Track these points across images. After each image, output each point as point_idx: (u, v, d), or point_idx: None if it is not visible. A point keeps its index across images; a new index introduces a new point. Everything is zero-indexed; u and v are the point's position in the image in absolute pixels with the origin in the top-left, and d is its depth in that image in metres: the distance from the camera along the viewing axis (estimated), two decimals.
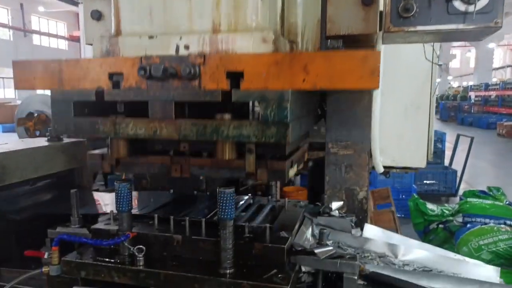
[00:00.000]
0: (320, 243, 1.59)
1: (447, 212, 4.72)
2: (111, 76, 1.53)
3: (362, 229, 2.07)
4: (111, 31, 1.64)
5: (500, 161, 13.04)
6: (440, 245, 4.09)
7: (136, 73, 1.47)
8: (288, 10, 1.79)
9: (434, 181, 8.08)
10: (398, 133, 2.83)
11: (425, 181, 8.00)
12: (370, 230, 2.03)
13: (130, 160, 1.63)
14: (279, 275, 1.47)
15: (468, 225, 4.30)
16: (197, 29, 1.54)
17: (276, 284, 1.41)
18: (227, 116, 1.44)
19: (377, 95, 2.23)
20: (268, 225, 1.63)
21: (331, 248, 1.53)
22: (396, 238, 2.01)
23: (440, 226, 4.64)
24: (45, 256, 1.66)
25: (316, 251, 1.52)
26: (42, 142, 2.43)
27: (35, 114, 9.96)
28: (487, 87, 26.63)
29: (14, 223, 2.01)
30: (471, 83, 34.26)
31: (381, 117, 2.33)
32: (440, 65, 2.86)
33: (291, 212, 2.00)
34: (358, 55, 1.35)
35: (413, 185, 6.94)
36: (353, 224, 2.04)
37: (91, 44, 2.13)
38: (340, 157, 2.25)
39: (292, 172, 1.68)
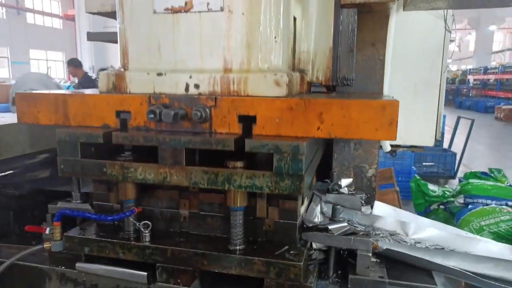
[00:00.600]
0: (333, 219, 1.53)
1: (448, 193, 4.70)
2: (118, 113, 1.48)
3: (371, 207, 2.03)
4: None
5: (498, 144, 13.07)
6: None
7: (144, 111, 1.42)
8: (300, 39, 1.73)
9: (433, 163, 8.08)
10: (406, 111, 2.76)
11: (424, 163, 7.99)
12: (380, 208, 1.99)
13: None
14: (291, 252, 1.42)
15: (470, 206, 4.28)
16: (208, 67, 1.49)
17: (289, 261, 1.36)
18: (239, 164, 1.36)
19: (386, 74, 2.16)
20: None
21: (345, 224, 1.48)
22: (406, 215, 1.97)
23: (441, 207, 4.63)
24: (47, 232, 1.60)
25: (330, 227, 1.46)
26: None
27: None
28: (486, 70, 26.50)
29: (13, 198, 1.94)
30: (470, 66, 34.08)
31: (389, 94, 2.26)
32: (452, 41, 2.77)
33: None
34: (375, 105, 1.29)
35: (413, 167, 6.91)
36: (363, 202, 1.99)
37: (92, 13, 2.03)
38: None
39: (303, 208, 1.65)
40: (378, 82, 2.15)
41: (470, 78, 29.83)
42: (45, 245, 1.57)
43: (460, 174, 7.56)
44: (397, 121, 1.27)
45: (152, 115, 1.38)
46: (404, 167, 6.82)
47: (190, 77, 1.49)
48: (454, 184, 6.71)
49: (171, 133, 1.41)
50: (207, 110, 1.38)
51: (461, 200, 4.46)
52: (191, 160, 1.40)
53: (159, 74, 1.51)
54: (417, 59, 2.71)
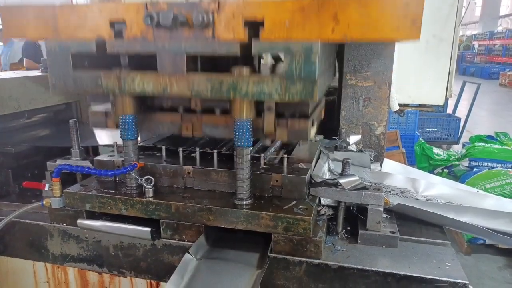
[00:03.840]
0: (343, 173, 1.47)
1: (453, 156, 4.65)
2: (112, 24, 1.32)
3: (381, 165, 1.97)
4: None
5: (501, 110, 12.95)
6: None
7: (141, 21, 1.26)
8: None
9: (436, 129, 8.00)
10: (416, 68, 2.65)
11: (427, 129, 7.91)
12: (389, 165, 1.93)
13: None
14: (300, 206, 1.37)
15: (475, 169, 4.24)
16: None
17: (297, 215, 1.31)
18: (245, 70, 1.23)
19: None
20: (285, 155, 1.50)
21: (356, 178, 1.42)
22: (416, 173, 1.91)
23: (445, 170, 4.59)
24: (46, 188, 1.54)
25: (341, 181, 1.40)
26: (35, 73, 2.24)
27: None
28: (492, 35, 25.87)
29: (10, 156, 1.88)
30: (475, 32, 33.27)
31: (399, 51, 2.14)
32: None
33: (306, 146, 1.87)
34: (398, 1, 1.13)
35: (416, 132, 6.83)
36: (372, 159, 1.93)
37: None
38: (359, 89, 2.09)
39: (313, 131, 1.54)
40: None
41: (475, 44, 29.19)
42: (44, 202, 1.52)
43: (463, 139, 7.51)
44: (421, 19, 1.13)
45: (149, 20, 1.23)
46: (408, 132, 6.73)
47: None
48: (457, 149, 6.66)
49: (171, 38, 1.28)
50: (210, 15, 1.24)
51: (466, 164, 4.42)
52: (193, 69, 1.30)
53: None
54: (430, 12, 2.57)
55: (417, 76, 2.68)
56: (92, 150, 1.98)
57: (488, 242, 4.08)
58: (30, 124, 2.20)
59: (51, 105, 2.22)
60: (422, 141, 4.87)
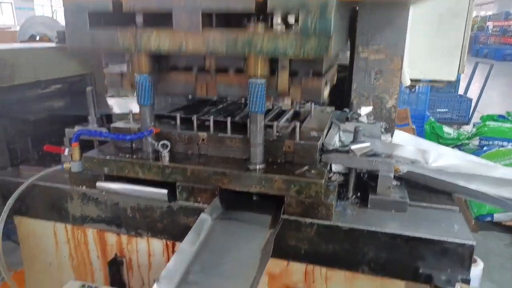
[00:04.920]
0: (355, 140, 1.49)
1: (463, 136, 4.63)
2: None
3: (391, 136, 1.99)
4: None
5: None
6: None
7: None
8: None
9: (447, 110, 7.94)
10: (429, 42, 2.62)
11: (438, 110, 7.85)
12: (400, 136, 1.94)
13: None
14: (312, 171, 1.41)
15: (485, 148, 4.23)
16: None
17: (310, 178, 1.35)
18: (260, 26, 1.24)
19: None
20: (298, 123, 1.53)
21: (368, 144, 1.45)
22: (426, 144, 1.93)
23: (455, 149, 4.58)
24: (66, 153, 1.60)
25: (353, 147, 1.43)
26: (51, 44, 2.28)
27: (37, 37, 9.62)
28: (507, 16, 25.22)
29: (29, 124, 1.93)
30: (489, 13, 32.42)
31: (411, 25, 2.13)
32: None
33: (318, 117, 1.90)
34: None
35: (426, 113, 6.79)
36: (382, 130, 1.94)
37: None
38: (371, 62, 2.09)
39: (326, 92, 1.55)
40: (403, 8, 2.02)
41: (490, 24, 28.49)
42: (65, 166, 1.58)
43: (474, 121, 7.44)
44: None
45: None
46: (418, 112, 6.70)
47: None
48: (467, 130, 6.62)
49: None
50: None
51: (476, 143, 4.41)
52: (208, 26, 1.32)
53: None
54: None
55: (429, 51, 2.66)
56: (107, 120, 2.03)
57: (495, 220, 4.11)
58: (46, 94, 2.24)
59: (67, 76, 2.26)
60: (432, 119, 4.85)
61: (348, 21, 2.07)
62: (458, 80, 8.74)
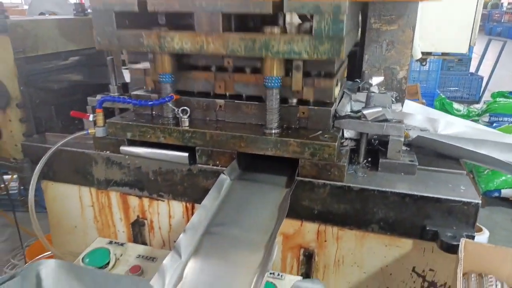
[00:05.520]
0: (367, 106, 1.55)
1: (473, 112, 4.64)
2: None
3: (402, 105, 2.04)
4: None
5: None
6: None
7: None
8: None
9: (457, 88, 7.89)
10: (440, 14, 2.63)
11: (448, 88, 7.80)
12: (410, 106, 1.99)
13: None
14: (325, 135, 1.47)
15: (494, 124, 4.25)
16: None
17: (323, 141, 1.42)
18: (276, 30, 1.31)
19: None
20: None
21: (379, 109, 1.50)
22: (436, 113, 1.98)
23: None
24: (90, 119, 1.68)
25: (365, 112, 1.49)
26: (69, 16, 2.34)
27: (47, 15, 9.65)
28: None
29: (53, 93, 2.01)
30: None
31: None
32: None
33: None
34: None
35: (437, 90, 6.77)
36: (393, 100, 1.99)
37: None
38: (382, 33, 2.12)
39: (337, 90, 1.62)
40: None
41: (504, 1, 27.70)
42: (90, 131, 1.66)
43: (484, 99, 7.39)
44: None
45: None
46: (428, 90, 6.69)
47: None
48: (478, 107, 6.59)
49: None
50: None
51: (486, 119, 4.42)
52: (227, 28, 1.39)
53: None
54: None
55: (441, 23, 2.66)
56: (123, 90, 2.10)
57: (502, 195, 4.17)
58: (66, 66, 2.32)
59: (84, 48, 2.33)
60: (442, 96, 4.86)
61: (360, 11, 2.10)
62: (469, 58, 8.64)
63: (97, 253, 1.44)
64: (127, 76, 2.48)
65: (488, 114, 4.40)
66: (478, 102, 7.62)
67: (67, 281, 1.11)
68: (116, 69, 1.83)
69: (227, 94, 1.66)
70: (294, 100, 1.58)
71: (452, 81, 7.82)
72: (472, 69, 8.66)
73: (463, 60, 8.44)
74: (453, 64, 8.50)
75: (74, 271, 1.11)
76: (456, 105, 4.69)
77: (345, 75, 1.95)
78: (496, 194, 4.15)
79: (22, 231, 2.54)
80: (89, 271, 1.11)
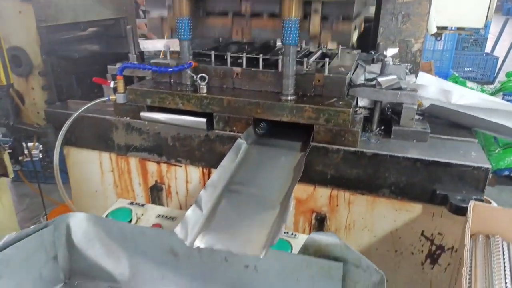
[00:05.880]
0: (382, 73, 1.58)
1: (487, 91, 4.60)
2: None
3: (416, 77, 2.05)
4: None
5: None
6: None
7: None
8: None
9: (471, 68, 7.77)
10: None
11: (462, 68, 7.69)
12: (424, 78, 2.00)
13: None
14: (340, 102, 1.51)
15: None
16: None
17: (338, 107, 1.46)
18: None
19: None
20: (327, 59, 1.62)
21: (394, 77, 1.53)
22: (450, 85, 1.99)
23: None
24: (111, 85, 1.74)
25: (380, 79, 1.52)
26: None
27: None
28: None
29: (73, 62, 2.07)
30: None
31: None
32: None
33: (345, 57, 1.96)
34: None
35: (450, 70, 6.68)
36: (407, 71, 2.01)
37: None
38: (398, 5, 2.12)
39: (355, 36, 1.62)
40: None
41: None
42: (111, 97, 1.72)
43: (499, 80, 7.27)
44: None
45: None
46: (442, 70, 6.61)
47: None
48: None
49: None
50: None
51: (500, 98, 4.38)
52: None
53: None
54: None
55: None
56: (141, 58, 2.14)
57: None
58: (84, 37, 2.37)
59: (102, 19, 2.37)
60: (456, 74, 4.81)
61: None
62: (485, 38, 8.46)
63: (119, 213, 1.52)
64: (143, 43, 2.52)
65: (501, 93, 4.36)
66: (492, 83, 7.51)
67: (95, 232, 1.18)
68: (134, 39, 1.86)
69: (243, 61, 1.69)
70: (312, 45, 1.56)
71: (466, 61, 7.70)
72: (488, 49, 8.50)
73: (479, 40, 8.28)
74: (468, 44, 8.34)
75: (102, 223, 1.19)
76: (469, 84, 4.64)
77: (362, 28, 1.95)
78: (506, 173, 4.15)
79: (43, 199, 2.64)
80: (116, 223, 1.18)
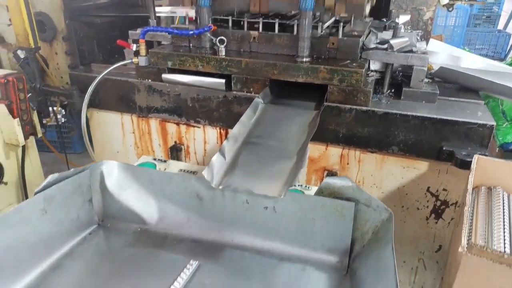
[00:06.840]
0: (394, 36, 1.64)
1: None
2: None
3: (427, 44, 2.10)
4: None
5: None
6: (484, 99, 4.11)
7: None
8: None
9: (483, 46, 7.68)
10: None
11: (474, 45, 7.61)
12: (435, 44, 2.06)
13: None
14: (353, 64, 1.58)
15: None
16: None
17: (351, 68, 1.53)
18: None
19: None
20: (341, 23, 1.68)
21: (406, 39, 1.59)
22: (460, 51, 2.04)
23: None
24: (133, 48, 1.82)
25: (392, 41, 1.58)
26: None
27: None
28: None
29: (95, 28, 2.14)
30: None
31: None
32: None
33: (358, 24, 2.02)
34: None
35: (461, 46, 6.63)
36: (418, 38, 2.06)
37: None
38: None
39: (367, 8, 1.67)
40: None
41: None
42: (133, 60, 1.80)
43: (510, 56, 7.21)
44: None
45: None
46: (453, 46, 6.55)
47: None
48: None
49: None
50: None
51: None
52: None
53: None
54: None
55: None
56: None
57: None
58: (103, 5, 2.44)
59: None
60: (467, 49, 4.79)
61: None
62: (498, 15, 8.34)
63: (145, 166, 1.62)
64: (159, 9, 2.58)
65: None
66: (503, 60, 7.44)
67: (126, 178, 1.29)
68: (154, 4, 1.93)
69: (260, 25, 1.76)
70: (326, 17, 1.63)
71: (478, 39, 7.61)
72: (500, 27, 8.38)
73: (491, 17, 8.16)
74: (480, 22, 8.22)
75: (132, 170, 1.29)
76: None
77: (374, 1, 2.01)
78: None
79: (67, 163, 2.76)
80: (146, 170, 1.28)
